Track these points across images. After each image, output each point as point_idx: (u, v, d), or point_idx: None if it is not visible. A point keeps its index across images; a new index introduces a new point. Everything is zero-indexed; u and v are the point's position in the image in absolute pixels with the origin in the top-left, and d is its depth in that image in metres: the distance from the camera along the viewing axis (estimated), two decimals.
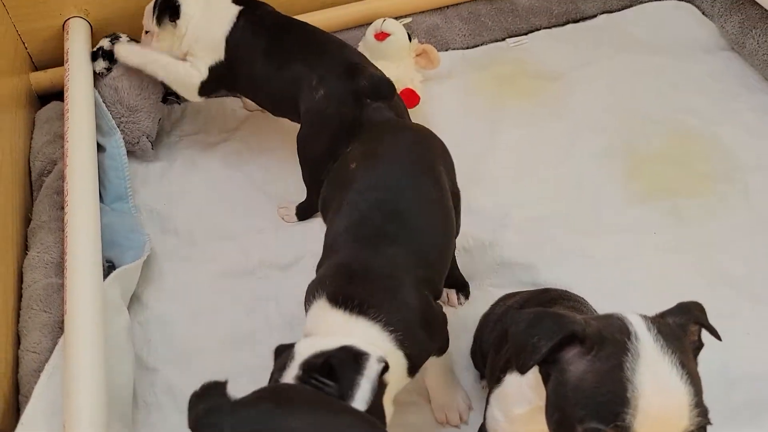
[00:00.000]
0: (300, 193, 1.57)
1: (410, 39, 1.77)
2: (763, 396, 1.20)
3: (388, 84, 1.36)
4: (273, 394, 0.83)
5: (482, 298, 1.33)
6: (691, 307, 0.82)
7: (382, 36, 1.72)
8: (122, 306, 1.32)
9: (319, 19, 1.80)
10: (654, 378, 0.71)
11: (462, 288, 1.38)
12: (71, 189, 1.35)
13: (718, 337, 0.81)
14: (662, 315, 0.81)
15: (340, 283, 1.00)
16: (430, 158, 1.17)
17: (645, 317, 0.78)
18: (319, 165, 1.41)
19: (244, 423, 0.72)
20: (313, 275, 1.38)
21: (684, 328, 0.79)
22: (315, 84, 1.39)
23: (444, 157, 1.23)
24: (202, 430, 0.73)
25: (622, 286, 1.36)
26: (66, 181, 1.38)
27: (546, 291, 1.14)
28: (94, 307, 1.15)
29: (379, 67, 1.67)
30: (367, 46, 1.76)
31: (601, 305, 1.19)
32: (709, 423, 0.72)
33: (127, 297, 1.38)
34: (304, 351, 0.92)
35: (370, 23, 1.79)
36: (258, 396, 0.79)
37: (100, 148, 1.58)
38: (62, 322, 1.17)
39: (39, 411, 1.07)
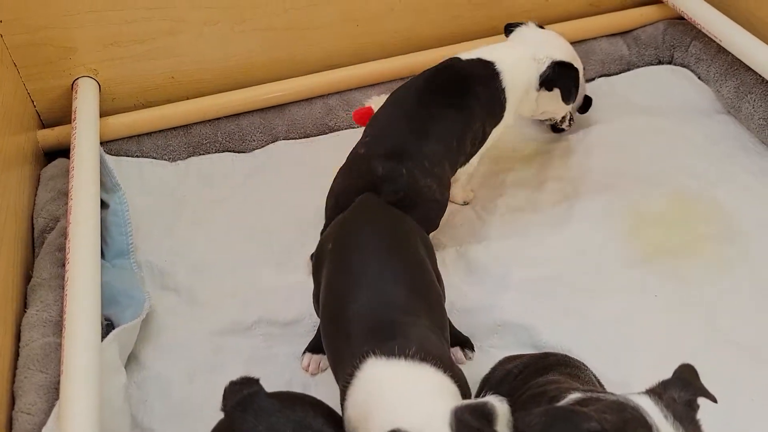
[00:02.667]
0: (302, 250, 1.57)
1: None
2: None
3: None
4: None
5: (483, 360, 1.32)
6: (691, 380, 0.81)
7: None
8: (120, 366, 1.31)
9: (332, 77, 1.95)
10: None
11: (465, 343, 1.38)
12: (73, 246, 1.35)
13: (715, 401, 0.81)
14: (664, 387, 0.80)
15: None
16: (410, 239, 1.21)
17: (656, 399, 0.77)
18: None
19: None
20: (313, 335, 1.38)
21: (691, 404, 0.78)
22: None
23: (424, 241, 1.25)
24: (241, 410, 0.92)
25: (623, 348, 1.34)
26: (68, 238, 1.38)
27: (546, 356, 1.13)
28: (91, 369, 1.13)
29: None
30: None
31: (602, 368, 1.18)
32: None
33: (125, 356, 1.37)
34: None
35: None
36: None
37: (102, 204, 1.60)
38: (59, 383, 1.16)
39: None
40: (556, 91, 1.54)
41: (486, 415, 0.83)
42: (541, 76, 1.53)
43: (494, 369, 1.21)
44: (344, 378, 0.99)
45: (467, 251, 1.57)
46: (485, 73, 1.49)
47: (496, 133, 1.56)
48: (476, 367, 1.29)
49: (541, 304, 1.44)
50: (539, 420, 0.76)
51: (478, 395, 1.21)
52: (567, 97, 1.54)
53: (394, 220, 1.25)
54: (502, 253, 1.56)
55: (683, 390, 0.79)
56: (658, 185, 1.69)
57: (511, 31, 1.65)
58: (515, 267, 1.52)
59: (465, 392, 1.00)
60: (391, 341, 0.98)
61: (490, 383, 1.18)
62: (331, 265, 1.16)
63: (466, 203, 1.67)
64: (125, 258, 1.57)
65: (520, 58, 1.54)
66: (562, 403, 0.83)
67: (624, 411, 0.75)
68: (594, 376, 1.12)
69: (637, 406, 0.75)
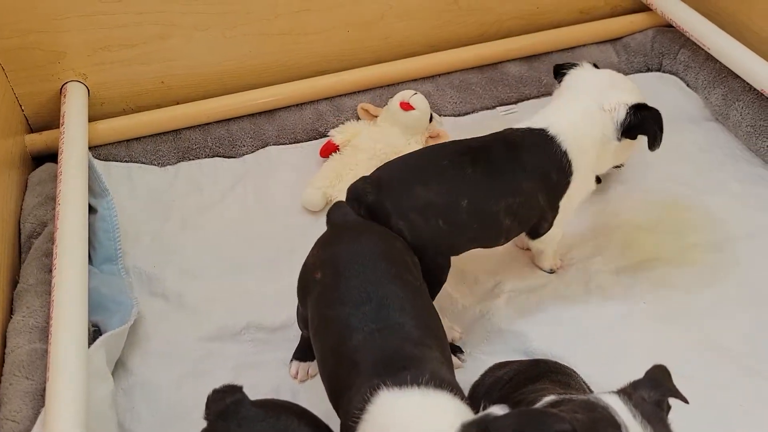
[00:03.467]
0: (291, 256, 1.57)
1: (431, 119, 1.83)
2: None
3: None
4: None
5: (473, 367, 1.32)
6: (661, 380, 0.82)
7: (407, 107, 1.77)
8: (107, 373, 1.29)
9: (322, 83, 1.93)
10: None
11: (455, 349, 1.38)
12: (60, 252, 1.34)
13: (686, 401, 0.82)
14: (634, 387, 0.80)
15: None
16: (404, 260, 1.17)
17: (625, 398, 0.77)
18: None
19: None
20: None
21: (660, 404, 0.79)
22: None
23: (412, 258, 1.21)
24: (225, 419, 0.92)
25: (613, 355, 1.34)
26: (56, 243, 1.37)
27: (536, 364, 1.13)
28: (77, 376, 1.12)
29: (391, 133, 1.78)
30: (389, 110, 1.81)
31: (593, 374, 1.18)
32: None
33: (113, 362, 1.36)
34: None
35: (371, 89, 1.93)
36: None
37: (91, 209, 1.59)
38: (45, 389, 1.14)
39: None
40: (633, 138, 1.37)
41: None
42: (621, 125, 1.33)
43: (484, 375, 1.21)
44: (352, 412, 0.93)
45: (457, 261, 1.56)
46: (535, 142, 1.32)
47: (575, 201, 1.40)
48: (466, 374, 1.28)
49: (532, 312, 1.45)
50: (511, 422, 0.76)
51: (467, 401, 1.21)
52: (654, 143, 1.35)
53: (383, 239, 1.19)
54: (492, 261, 1.55)
55: (653, 390, 0.80)
56: (647, 193, 1.70)
57: (563, 74, 1.45)
58: (505, 275, 1.53)
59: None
60: (404, 372, 0.92)
61: (479, 390, 1.18)
62: (326, 293, 1.09)
63: (552, 271, 1.53)
64: (113, 263, 1.56)
65: (584, 112, 1.34)
66: (537, 405, 0.83)
67: (594, 410, 0.76)
68: (584, 383, 1.12)
69: (606, 405, 0.76)
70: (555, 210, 1.37)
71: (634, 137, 1.36)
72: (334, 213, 1.28)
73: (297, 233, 1.66)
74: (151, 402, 1.34)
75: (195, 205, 1.74)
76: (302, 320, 1.26)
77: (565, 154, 1.31)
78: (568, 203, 1.38)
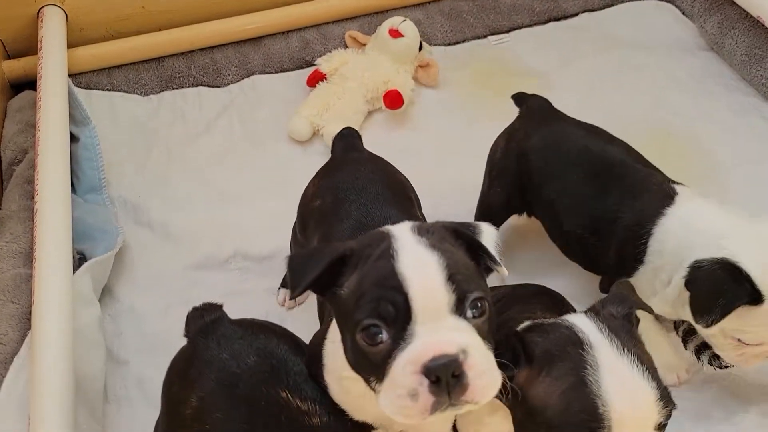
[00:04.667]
0: (278, 186, 1.55)
1: (420, 48, 1.78)
2: None
3: None
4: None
5: None
6: (627, 295, 0.82)
7: (396, 34, 1.73)
8: (93, 299, 1.29)
9: (309, 10, 1.88)
10: (619, 385, 0.70)
11: None
12: (42, 179, 1.32)
13: (652, 312, 0.84)
14: (603, 304, 0.80)
15: None
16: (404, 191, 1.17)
17: (592, 316, 0.77)
18: None
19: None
20: None
21: (629, 317, 0.79)
22: None
23: (412, 191, 1.20)
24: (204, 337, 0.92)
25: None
26: (37, 170, 1.35)
27: (525, 285, 1.13)
28: (62, 300, 1.12)
29: (380, 62, 1.73)
30: (377, 38, 1.77)
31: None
32: (675, 407, 0.72)
33: (99, 289, 1.36)
34: None
35: (359, 16, 1.87)
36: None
37: (73, 138, 1.56)
38: (30, 313, 1.14)
39: (10, 405, 1.05)
40: None
41: (468, 227, 0.79)
42: None
43: None
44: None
45: (444, 186, 1.54)
46: None
47: None
48: None
49: (520, 242, 1.44)
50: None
51: None
52: None
53: (385, 171, 1.18)
54: (477, 189, 1.54)
55: (620, 305, 0.80)
56: (638, 121, 1.67)
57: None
58: None
59: None
60: None
61: None
62: (325, 218, 1.09)
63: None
64: (98, 193, 1.54)
65: None
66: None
67: (557, 331, 0.76)
68: (571, 306, 1.13)
69: (571, 325, 0.76)
70: None
71: None
72: (338, 143, 1.27)
73: (284, 163, 1.64)
74: (139, 328, 1.34)
75: (179, 136, 1.71)
76: (294, 238, 1.25)
77: None
78: None
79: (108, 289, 1.39)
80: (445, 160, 1.62)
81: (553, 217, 1.26)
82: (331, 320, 0.84)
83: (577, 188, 1.20)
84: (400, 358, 0.69)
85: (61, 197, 1.29)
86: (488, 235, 0.80)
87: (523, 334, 0.79)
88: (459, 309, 0.70)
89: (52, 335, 1.06)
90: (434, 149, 1.66)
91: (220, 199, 1.57)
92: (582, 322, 0.76)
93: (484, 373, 0.70)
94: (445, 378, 0.68)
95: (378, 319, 0.69)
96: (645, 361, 0.73)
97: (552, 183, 1.23)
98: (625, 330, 0.76)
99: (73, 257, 1.28)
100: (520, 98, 1.39)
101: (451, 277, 0.70)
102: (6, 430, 1.01)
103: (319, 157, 1.61)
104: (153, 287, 1.41)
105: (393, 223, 0.98)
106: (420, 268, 0.70)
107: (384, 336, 0.70)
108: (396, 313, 0.69)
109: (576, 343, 0.73)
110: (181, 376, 0.93)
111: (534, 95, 1.37)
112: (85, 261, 1.33)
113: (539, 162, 1.25)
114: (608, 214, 1.16)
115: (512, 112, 1.49)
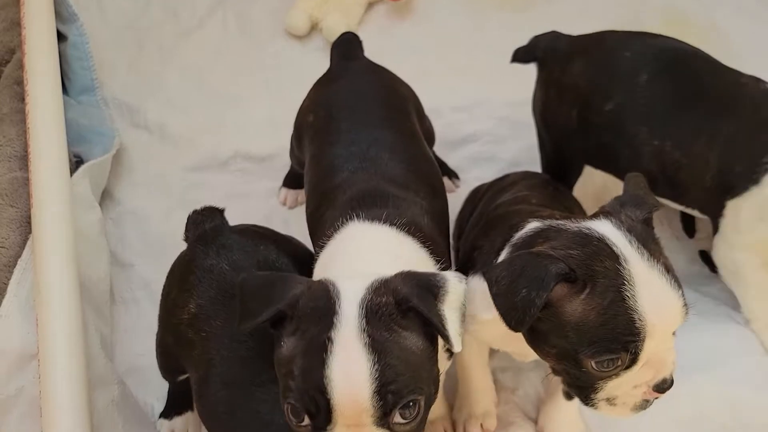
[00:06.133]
0: (277, 84, 1.50)
1: None
2: None
3: None
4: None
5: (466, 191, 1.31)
6: (644, 195, 0.80)
7: None
8: (93, 201, 1.28)
9: None
10: (653, 298, 0.71)
11: (450, 174, 1.37)
12: (31, 79, 1.27)
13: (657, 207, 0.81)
14: (621, 205, 0.78)
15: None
16: (405, 106, 1.11)
17: (617, 223, 0.75)
18: None
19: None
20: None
21: (648, 222, 0.78)
22: None
23: (416, 103, 1.16)
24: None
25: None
26: (25, 70, 1.30)
27: (505, 176, 1.13)
28: (61, 201, 1.10)
29: None
30: None
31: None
32: (688, 308, 0.74)
33: (98, 193, 1.34)
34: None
35: None
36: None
37: (61, 37, 1.49)
38: (30, 217, 1.13)
39: (15, 306, 1.05)
40: None
41: (431, 288, 0.73)
42: None
43: (465, 202, 1.23)
44: (321, 239, 0.90)
45: (446, 84, 1.50)
46: None
47: None
48: (459, 199, 1.28)
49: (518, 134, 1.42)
50: (506, 272, 0.72)
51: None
52: None
53: (384, 83, 1.13)
54: (482, 85, 1.49)
55: (639, 208, 0.78)
56: (655, 9, 1.61)
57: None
58: (494, 95, 1.47)
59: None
60: (380, 209, 0.88)
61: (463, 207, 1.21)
62: (318, 136, 1.04)
63: None
64: (90, 94, 1.50)
65: None
66: (521, 234, 0.80)
67: (589, 244, 0.73)
68: (560, 187, 1.12)
69: (602, 236, 0.73)
70: None
71: None
72: (337, 50, 1.19)
73: (283, 60, 1.59)
74: (141, 231, 1.34)
75: (172, 33, 1.64)
76: (296, 161, 1.22)
77: None
78: None
79: (108, 193, 1.38)
80: (448, 55, 1.57)
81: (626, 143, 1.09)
82: None
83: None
84: None
85: (52, 98, 1.25)
86: (452, 295, 0.74)
87: (552, 251, 0.73)
88: (383, 420, 0.68)
89: (54, 238, 1.05)
90: (437, 44, 1.59)
91: (217, 98, 1.53)
92: (610, 232, 0.74)
93: None
94: None
95: (302, 408, 0.68)
96: (670, 269, 0.73)
97: (617, 96, 1.08)
98: (650, 238, 0.75)
99: (70, 160, 1.26)
100: (529, 50, 1.21)
101: (382, 389, 0.67)
102: (13, 332, 1.02)
103: (319, 53, 1.55)
104: (154, 190, 1.39)
105: (379, 147, 0.97)
106: (348, 376, 0.67)
107: (307, 421, 0.69)
108: (317, 412, 0.67)
109: (612, 257, 0.72)
110: (180, 282, 0.92)
111: (536, 41, 1.22)
112: (83, 164, 1.31)
113: (594, 80, 1.10)
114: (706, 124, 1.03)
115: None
